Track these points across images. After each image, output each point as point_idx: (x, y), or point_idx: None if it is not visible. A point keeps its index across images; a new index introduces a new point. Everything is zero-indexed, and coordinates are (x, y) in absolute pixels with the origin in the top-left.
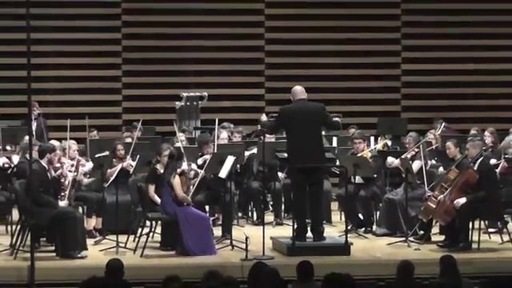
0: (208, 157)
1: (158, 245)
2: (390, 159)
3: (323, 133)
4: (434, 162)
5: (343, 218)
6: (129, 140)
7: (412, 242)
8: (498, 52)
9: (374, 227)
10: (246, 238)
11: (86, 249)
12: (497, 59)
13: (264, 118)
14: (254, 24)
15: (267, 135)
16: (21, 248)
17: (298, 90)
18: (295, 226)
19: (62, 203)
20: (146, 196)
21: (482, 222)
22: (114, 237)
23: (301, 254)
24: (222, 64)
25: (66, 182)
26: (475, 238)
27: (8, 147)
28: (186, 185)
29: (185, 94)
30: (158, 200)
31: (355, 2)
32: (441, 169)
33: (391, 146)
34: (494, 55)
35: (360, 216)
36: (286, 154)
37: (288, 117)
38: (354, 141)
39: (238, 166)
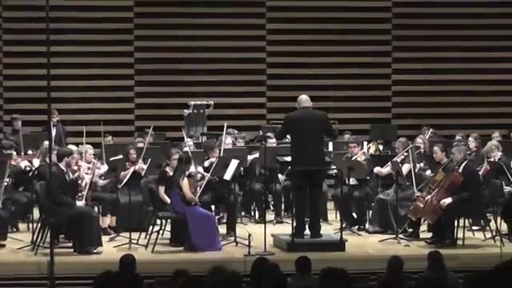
0: (214, 160)
1: (168, 241)
2: (376, 169)
3: None
4: (421, 165)
5: (338, 217)
6: (141, 145)
7: (402, 238)
8: (479, 64)
9: (367, 225)
10: (249, 235)
11: (101, 245)
12: (479, 70)
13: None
14: (256, 38)
15: (269, 140)
16: (41, 244)
17: (304, 98)
18: (295, 224)
19: (80, 203)
20: (156, 196)
21: (467, 221)
22: (127, 234)
23: (299, 250)
24: (227, 75)
25: (83, 184)
26: (460, 235)
27: (30, 151)
28: (194, 186)
29: (192, 103)
30: (168, 200)
31: (349, 18)
32: (428, 171)
33: (383, 151)
34: (476, 67)
35: (354, 215)
36: (285, 158)
37: (293, 123)
38: (349, 145)
39: (242, 169)
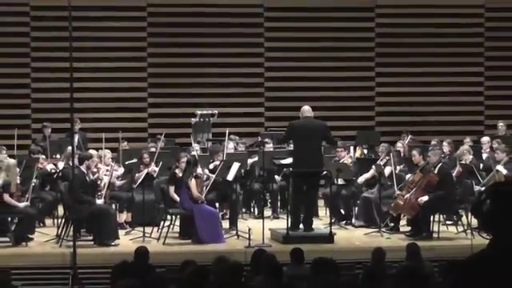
0: (218, 163)
1: (177, 235)
2: (359, 179)
3: None
4: (401, 167)
5: (328, 213)
6: (153, 150)
7: (384, 232)
8: (452, 77)
9: (353, 220)
10: (249, 230)
11: (118, 238)
12: (451, 83)
13: None
14: (255, 55)
15: (267, 145)
16: (65, 238)
17: (306, 109)
18: (290, 220)
19: (99, 201)
20: (167, 195)
21: (441, 216)
22: (141, 228)
23: (294, 242)
24: (229, 87)
25: (102, 184)
26: (435, 228)
27: (56, 156)
28: (200, 186)
29: (199, 112)
30: (177, 198)
31: (338, 37)
32: (409, 175)
33: (367, 154)
34: (448, 80)
35: (342, 211)
36: (281, 161)
37: (295, 130)
38: (337, 150)
39: (243, 170)
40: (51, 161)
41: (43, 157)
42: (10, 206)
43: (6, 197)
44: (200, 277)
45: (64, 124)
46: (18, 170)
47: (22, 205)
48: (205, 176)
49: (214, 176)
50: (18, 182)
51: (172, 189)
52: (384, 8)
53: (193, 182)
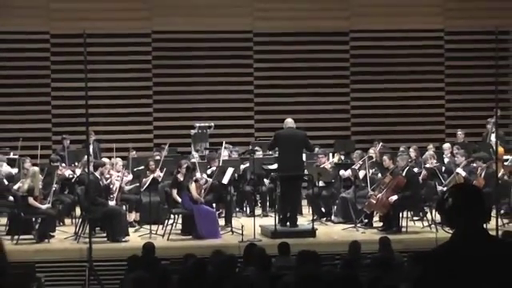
0: (214, 168)
1: (180, 231)
2: (341, 172)
3: None
4: (374, 170)
5: (311, 211)
6: (158, 158)
7: (359, 227)
8: (417, 92)
9: (333, 217)
10: (242, 226)
11: (128, 235)
12: (416, 97)
13: None
14: (245, 74)
15: (256, 153)
16: (82, 235)
17: (289, 121)
18: (278, 217)
19: (111, 203)
20: (170, 197)
21: (409, 213)
22: (148, 226)
23: (281, 237)
24: (224, 103)
25: (114, 188)
26: (404, 224)
27: (74, 164)
28: (199, 188)
29: (197, 124)
30: (179, 200)
31: (317, 58)
32: (379, 175)
33: (344, 160)
34: (414, 95)
35: (322, 209)
36: (269, 166)
37: (280, 139)
38: (318, 156)
39: (236, 175)
40: (69, 168)
41: (63, 164)
42: (34, 208)
43: (31, 200)
44: (199, 268)
45: (80, 136)
46: (40, 176)
47: (44, 206)
48: (203, 180)
49: (211, 180)
50: (41, 186)
51: (175, 191)
52: (357, 32)
53: (193, 186)
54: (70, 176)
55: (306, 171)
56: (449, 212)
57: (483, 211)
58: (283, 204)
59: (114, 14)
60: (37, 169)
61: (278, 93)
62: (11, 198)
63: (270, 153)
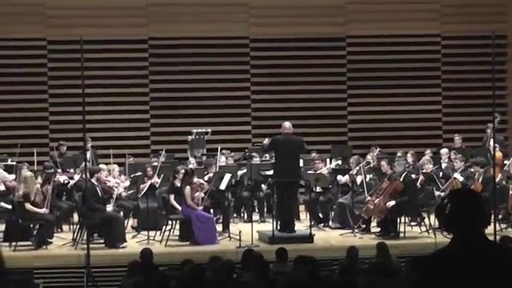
0: (212, 175)
1: (177, 237)
2: (339, 177)
3: None
4: (371, 176)
5: (308, 216)
6: (155, 164)
7: (357, 233)
8: (414, 98)
9: (330, 223)
10: (239, 232)
11: (126, 241)
12: (413, 103)
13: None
14: (242, 80)
15: (254, 159)
16: (80, 241)
17: (286, 125)
18: (276, 223)
19: (109, 208)
20: (168, 203)
21: (406, 218)
22: (145, 232)
23: (278, 243)
24: (220, 109)
25: (112, 197)
26: (402, 229)
27: (69, 170)
28: (195, 190)
29: (194, 131)
30: (177, 205)
31: (314, 64)
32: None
33: (341, 165)
34: (411, 100)
35: (320, 215)
36: (266, 172)
37: (277, 144)
38: (315, 162)
39: (233, 180)
40: (65, 174)
41: (58, 171)
42: (32, 214)
43: (28, 205)
44: (197, 274)
45: (78, 142)
46: (37, 180)
47: (42, 210)
48: (201, 185)
49: (209, 186)
50: (35, 191)
51: (172, 197)
52: (354, 38)
53: (187, 190)
54: (66, 182)
55: (302, 177)
56: (448, 217)
57: (482, 216)
58: (280, 210)
59: (111, 21)
60: (29, 173)
61: (274, 98)
62: (3, 204)
63: (267, 158)
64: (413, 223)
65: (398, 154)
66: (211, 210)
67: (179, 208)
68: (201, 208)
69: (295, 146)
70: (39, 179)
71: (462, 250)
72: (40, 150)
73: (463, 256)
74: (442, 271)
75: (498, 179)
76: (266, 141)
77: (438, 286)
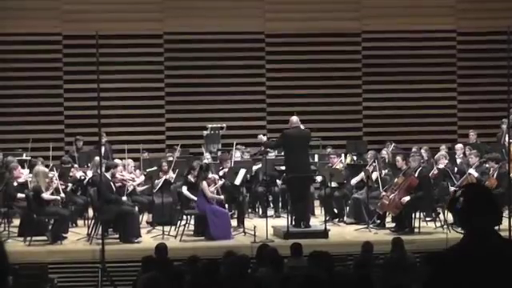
0: (227, 170)
1: (192, 233)
2: (353, 181)
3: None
4: (386, 171)
5: (323, 212)
6: (170, 159)
7: (372, 228)
8: (429, 93)
9: (345, 218)
10: (254, 227)
11: (141, 236)
12: (428, 98)
13: (263, 138)
14: (257, 75)
15: (269, 154)
16: (94, 236)
17: (294, 120)
18: (290, 218)
19: (124, 198)
20: (183, 198)
21: (421, 213)
22: (160, 227)
23: (293, 238)
24: (236, 104)
25: (126, 188)
26: (416, 224)
27: (84, 165)
28: (210, 184)
29: (210, 126)
30: (191, 196)
31: (330, 59)
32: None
33: (356, 161)
34: (426, 95)
35: (335, 210)
36: (282, 167)
37: (287, 138)
38: (330, 157)
39: (248, 176)
40: (81, 169)
41: (75, 166)
42: (46, 208)
43: (45, 195)
44: (212, 269)
45: (93, 137)
46: (52, 174)
47: (57, 197)
48: (216, 180)
49: (223, 181)
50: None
51: (185, 188)
52: (369, 33)
53: (204, 185)
54: (82, 177)
55: (318, 172)
56: (460, 212)
57: (494, 212)
58: (294, 205)
59: (127, 16)
60: (42, 168)
61: (289, 94)
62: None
63: (275, 151)
64: (428, 218)
65: (413, 150)
66: (226, 205)
67: (194, 198)
68: (216, 200)
69: (306, 138)
70: (55, 173)
71: (474, 246)
72: (55, 144)
73: (475, 252)
74: (455, 268)
75: None
76: (263, 138)
77: (451, 284)
